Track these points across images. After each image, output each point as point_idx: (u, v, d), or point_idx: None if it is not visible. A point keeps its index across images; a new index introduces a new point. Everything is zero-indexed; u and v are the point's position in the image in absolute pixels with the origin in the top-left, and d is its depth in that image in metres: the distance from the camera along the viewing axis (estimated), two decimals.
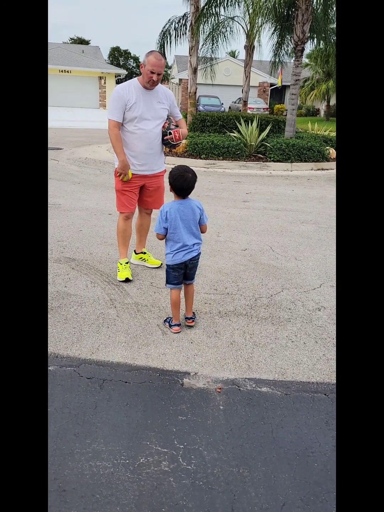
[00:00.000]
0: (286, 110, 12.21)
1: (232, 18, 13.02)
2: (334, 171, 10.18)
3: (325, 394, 2.33)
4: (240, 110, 17.77)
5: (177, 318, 2.94)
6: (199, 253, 2.90)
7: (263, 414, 2.17)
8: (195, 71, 12.28)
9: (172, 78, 34.80)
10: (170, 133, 3.53)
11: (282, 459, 1.90)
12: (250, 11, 11.30)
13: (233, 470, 1.84)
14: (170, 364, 2.55)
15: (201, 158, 10.29)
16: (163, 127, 3.56)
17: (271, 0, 10.03)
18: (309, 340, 2.86)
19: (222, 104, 26.49)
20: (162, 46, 13.83)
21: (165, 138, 3.56)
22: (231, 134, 11.04)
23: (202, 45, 13.06)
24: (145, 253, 4.02)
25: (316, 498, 1.72)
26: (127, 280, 3.61)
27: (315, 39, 12.42)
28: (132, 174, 3.52)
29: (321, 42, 12.44)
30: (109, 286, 3.53)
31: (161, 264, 3.96)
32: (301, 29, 10.17)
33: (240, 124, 10.81)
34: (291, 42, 12.14)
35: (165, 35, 13.69)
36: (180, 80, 30.95)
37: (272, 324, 3.04)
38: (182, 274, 2.88)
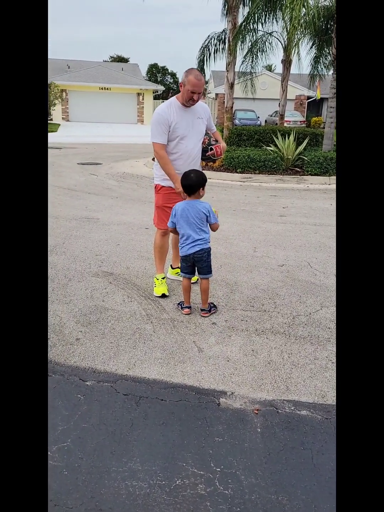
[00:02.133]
0: (324, 122, 12.06)
1: (270, 34, 13.07)
2: None
3: None
4: (276, 124, 17.71)
5: (187, 301, 3.38)
6: (204, 249, 3.23)
7: (303, 438, 2.10)
8: (232, 86, 12.37)
9: (209, 93, 35.19)
10: (211, 149, 3.55)
11: (323, 487, 1.83)
12: (289, 26, 11.31)
13: (272, 497, 1.78)
14: (207, 383, 2.52)
15: (237, 172, 10.30)
16: (203, 142, 3.58)
17: (310, 14, 10.00)
18: None
19: (258, 117, 26.51)
20: (201, 61, 14.06)
21: (207, 154, 3.58)
22: (268, 148, 10.99)
23: (242, 61, 13.17)
24: None
25: None
26: (163, 296, 3.62)
27: None
28: (172, 189, 3.53)
29: None
30: (146, 301, 3.55)
31: (197, 279, 3.95)
32: None
33: (277, 137, 10.75)
34: (330, 55, 12.04)
35: (205, 51, 13.92)
36: (217, 94, 31.25)
37: (311, 344, 2.96)
38: (190, 266, 3.30)
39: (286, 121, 21.50)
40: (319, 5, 10.41)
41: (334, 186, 9.49)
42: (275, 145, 10.79)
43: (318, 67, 13.25)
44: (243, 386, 2.49)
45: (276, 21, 11.65)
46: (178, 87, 3.51)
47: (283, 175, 10.10)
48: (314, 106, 33.46)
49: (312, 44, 12.34)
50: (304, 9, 9.24)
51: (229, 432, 2.13)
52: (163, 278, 3.76)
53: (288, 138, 10.51)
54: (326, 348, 2.91)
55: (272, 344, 2.95)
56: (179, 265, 4.03)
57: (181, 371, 2.62)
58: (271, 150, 10.76)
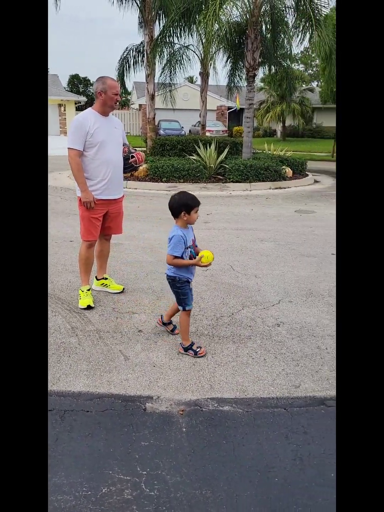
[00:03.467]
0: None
1: (187, 47, 13.44)
2: (291, 189, 10.52)
3: (284, 409, 2.38)
4: (199, 133, 18.19)
5: (166, 317, 3.21)
6: (168, 276, 2.96)
7: (225, 433, 2.20)
8: (152, 97, 12.55)
9: (132, 104, 35.27)
10: (132, 156, 3.63)
11: (244, 477, 1.93)
12: (203, 40, 11.71)
13: (196, 492, 1.85)
14: (133, 390, 2.55)
15: (162, 182, 10.43)
16: (123, 152, 3.65)
17: (223, 29, 10.45)
18: (269, 356, 2.93)
19: (182, 127, 27.03)
20: (121, 73, 14.11)
21: (129, 161, 3.65)
22: (191, 157, 11.27)
23: (160, 73, 13.42)
24: (106, 278, 4.01)
25: None
26: (88, 307, 3.59)
27: (267, 65, 12.98)
28: (98, 200, 3.53)
29: (272, 67, 13.00)
30: (70, 314, 3.50)
31: (123, 288, 3.97)
32: (251, 56, 10.62)
33: (199, 147, 11.06)
34: (244, 68, 12.63)
35: (124, 62, 14.00)
36: (140, 105, 31.41)
37: (233, 343, 3.09)
38: None
39: (209, 130, 22.16)
40: (231, 20, 10.92)
41: (254, 192, 9.94)
42: (198, 154, 11.09)
43: (234, 79, 13.81)
44: (169, 389, 2.55)
45: (191, 35, 12.03)
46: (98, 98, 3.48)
47: (206, 183, 10.40)
48: (235, 116, 34.77)
49: (227, 58, 12.86)
50: (216, 25, 9.64)
51: (155, 435, 2.18)
52: (88, 290, 3.73)
53: (210, 147, 10.85)
54: (247, 345, 3.06)
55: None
56: (104, 276, 4.03)
57: (107, 381, 2.63)
58: (194, 159, 11.04)
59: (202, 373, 2.72)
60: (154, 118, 12.83)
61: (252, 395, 2.49)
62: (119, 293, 3.94)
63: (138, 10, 12.32)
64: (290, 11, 10.67)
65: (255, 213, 7.68)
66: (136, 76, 47.14)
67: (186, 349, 2.94)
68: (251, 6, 10.40)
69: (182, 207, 2.81)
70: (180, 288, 2.93)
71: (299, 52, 42.00)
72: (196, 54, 14.01)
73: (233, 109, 30.20)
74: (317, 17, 9.79)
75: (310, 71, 48.64)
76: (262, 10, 10.65)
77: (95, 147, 3.42)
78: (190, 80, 40.79)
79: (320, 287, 4.16)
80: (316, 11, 9.87)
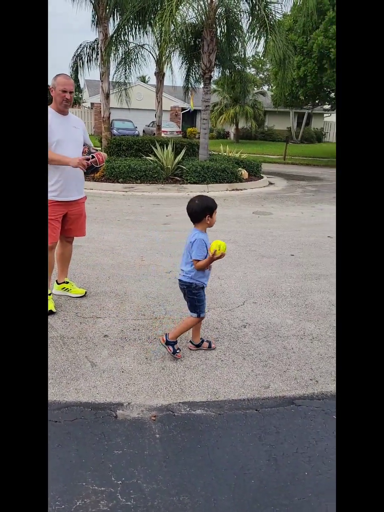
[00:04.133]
0: (198, 133, 12.69)
1: (142, 46, 13.34)
2: (247, 191, 10.72)
3: (256, 410, 2.41)
4: (154, 134, 18.12)
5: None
6: (183, 282, 2.89)
7: (199, 437, 2.19)
8: (107, 96, 12.35)
9: (84, 102, 34.53)
10: (93, 156, 3.52)
11: (220, 480, 1.93)
12: (159, 40, 11.67)
13: (173, 499, 1.83)
14: (102, 397, 2.49)
15: (118, 182, 10.29)
16: (83, 152, 3.54)
17: (179, 29, 10.46)
18: (237, 357, 2.95)
19: (136, 127, 26.80)
20: (75, 70, 13.79)
21: (89, 161, 3.53)
22: (148, 157, 11.20)
23: (115, 71, 13.23)
24: (68, 282, 3.90)
25: None
26: (50, 313, 3.47)
27: (221, 67, 13.14)
28: (55, 201, 3.42)
29: (226, 70, 13.17)
30: None
31: (85, 292, 3.87)
32: (207, 58, 10.71)
33: (156, 148, 11.01)
34: (200, 69, 12.72)
35: (77, 60, 13.68)
36: (92, 104, 30.83)
37: None
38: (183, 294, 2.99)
39: (164, 131, 22.11)
40: (187, 22, 10.95)
41: (211, 193, 10.02)
42: (155, 155, 11.04)
43: (190, 80, 13.87)
44: (139, 395, 2.51)
45: (146, 34, 11.96)
46: (50, 95, 3.43)
47: (164, 184, 10.37)
48: (189, 117, 34.93)
49: (183, 59, 12.89)
50: (173, 25, 9.63)
51: (128, 443, 2.13)
52: (49, 295, 3.60)
53: (167, 148, 10.83)
54: (215, 347, 3.07)
55: (164, 350, 3.01)
56: (66, 280, 3.91)
57: (74, 389, 2.55)
58: (151, 160, 10.98)
59: (172, 377, 2.70)
60: (109, 117, 12.63)
61: (223, 398, 2.51)
62: (81, 297, 3.84)
63: (92, 6, 12.08)
64: (245, 15, 10.86)
65: None
66: (90, 73, 46.27)
67: (167, 343, 2.91)
68: (207, 8, 10.49)
69: (206, 210, 2.73)
70: (196, 295, 2.88)
71: (251, 56, 42.91)
72: (152, 54, 13.94)
73: (187, 110, 30.35)
74: (271, 22, 10.03)
75: (261, 75, 49.78)
76: (217, 12, 10.76)
77: (51, 146, 3.32)
78: (143, 79, 40.50)
79: (282, 287, 4.26)
80: (270, 16, 10.11)
